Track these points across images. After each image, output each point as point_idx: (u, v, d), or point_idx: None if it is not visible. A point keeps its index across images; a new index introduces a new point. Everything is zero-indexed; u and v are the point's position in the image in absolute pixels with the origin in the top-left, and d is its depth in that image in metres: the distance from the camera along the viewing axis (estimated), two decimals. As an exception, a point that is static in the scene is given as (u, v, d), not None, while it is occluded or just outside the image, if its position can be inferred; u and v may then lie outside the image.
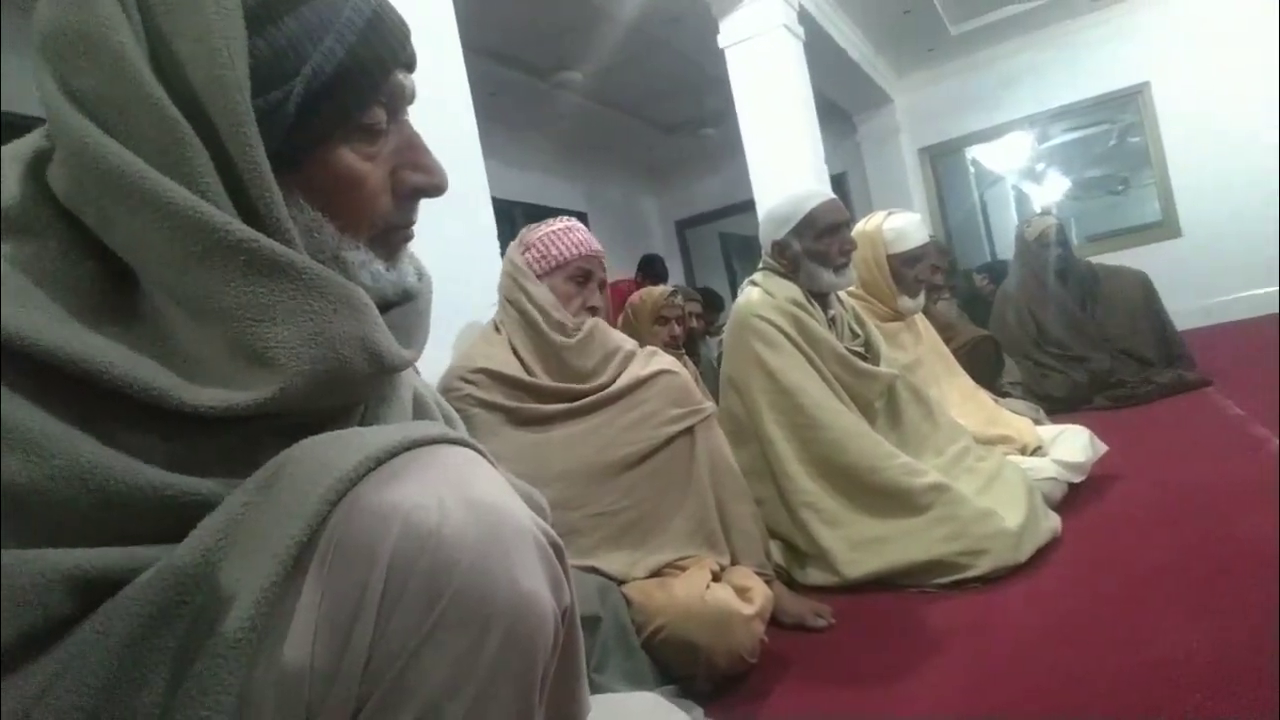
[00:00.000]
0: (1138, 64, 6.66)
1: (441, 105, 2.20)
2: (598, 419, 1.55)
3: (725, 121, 5.23)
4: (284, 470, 0.51)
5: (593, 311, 1.66)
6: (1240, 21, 6.28)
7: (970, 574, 1.68)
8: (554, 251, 1.63)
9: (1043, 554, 1.76)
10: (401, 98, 0.66)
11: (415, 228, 0.70)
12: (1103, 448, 2.28)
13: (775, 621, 1.55)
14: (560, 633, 0.55)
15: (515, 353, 1.59)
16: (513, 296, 1.63)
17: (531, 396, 1.54)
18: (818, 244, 1.98)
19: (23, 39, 1.91)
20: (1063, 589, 1.61)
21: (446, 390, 1.54)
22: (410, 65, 0.67)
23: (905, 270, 2.40)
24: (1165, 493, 2.10)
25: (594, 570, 1.42)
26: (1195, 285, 6.17)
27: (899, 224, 2.40)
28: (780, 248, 2.02)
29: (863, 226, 2.46)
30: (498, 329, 1.65)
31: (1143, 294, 3.91)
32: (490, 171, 2.29)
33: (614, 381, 1.60)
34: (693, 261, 8.91)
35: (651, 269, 5.65)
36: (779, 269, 2.04)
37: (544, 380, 1.56)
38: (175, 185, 0.53)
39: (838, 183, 6.77)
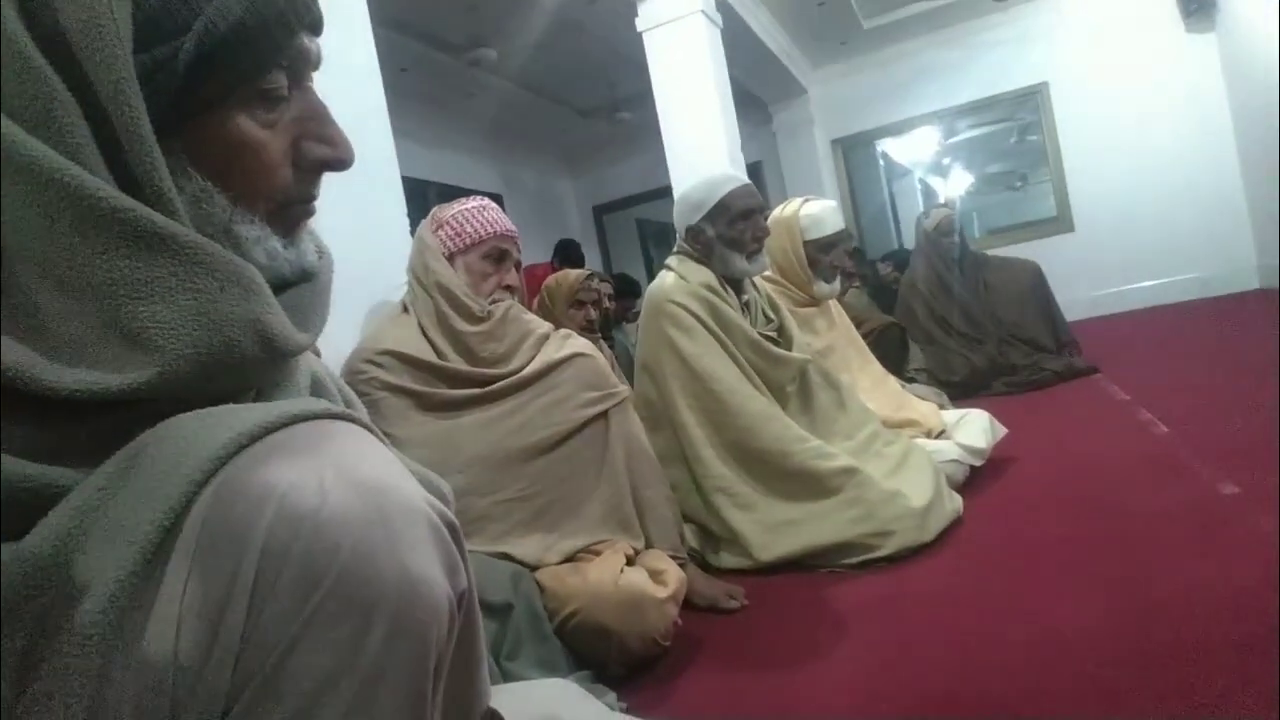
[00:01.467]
0: (1038, 64, 6.94)
1: (349, 78, 2.11)
2: (510, 403, 1.51)
3: (642, 106, 5.19)
4: (146, 451, 0.47)
5: (509, 290, 1.62)
6: (1134, 26, 6.61)
7: (878, 554, 1.72)
8: (468, 229, 1.59)
9: (947, 533, 1.82)
10: (305, 62, 0.61)
11: (320, 204, 0.66)
12: (1002, 431, 2.37)
13: (689, 604, 1.55)
14: (456, 619, 0.52)
15: (425, 334, 1.54)
16: (422, 276, 1.57)
17: (441, 380, 1.50)
18: (731, 229, 1.99)
19: None
20: (965, 566, 1.66)
21: (352, 373, 1.48)
22: (315, 28, 0.62)
23: (820, 256, 2.44)
24: (1060, 473, 2.21)
25: (506, 556, 1.39)
26: (1086, 278, 6.49)
27: (815, 211, 2.44)
28: (694, 233, 2.02)
29: (779, 213, 2.49)
30: (406, 309, 1.59)
31: (1033, 283, 4.10)
32: (402, 150, 2.21)
33: (527, 365, 1.57)
34: (609, 247, 8.89)
35: (568, 254, 5.60)
36: (693, 254, 2.04)
37: (455, 363, 1.51)
38: (40, 144, 0.48)
39: (753, 171, 6.84)
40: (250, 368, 0.56)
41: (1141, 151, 6.61)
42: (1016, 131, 9.96)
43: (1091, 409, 3.03)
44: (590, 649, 1.34)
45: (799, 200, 2.53)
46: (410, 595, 0.47)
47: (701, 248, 2.02)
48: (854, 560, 1.74)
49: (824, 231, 2.43)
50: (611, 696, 1.21)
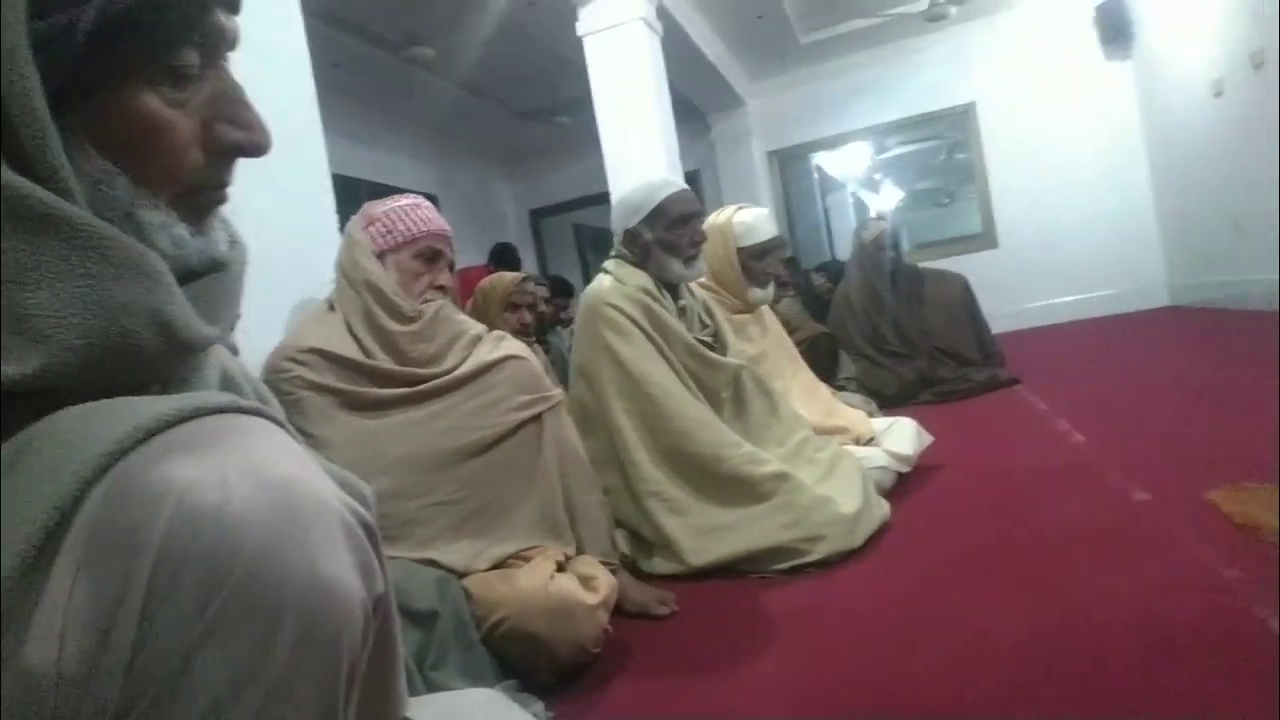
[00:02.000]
0: (967, 85, 7.17)
1: (277, 67, 2.05)
2: (440, 404, 1.48)
3: (582, 110, 5.18)
4: (31, 445, 0.44)
5: (441, 291, 1.58)
6: (1057, 52, 6.88)
7: (808, 559, 1.74)
8: (400, 227, 1.54)
9: (875, 538, 1.85)
10: (220, 41, 0.58)
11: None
12: (928, 439, 2.43)
13: (620, 610, 1.53)
14: (371, 625, 0.50)
15: (351, 333, 1.49)
16: (350, 273, 1.53)
17: (368, 379, 1.45)
18: (669, 234, 1.98)
19: None
20: (892, 571, 1.69)
21: (274, 371, 1.43)
22: (233, 6, 0.59)
23: (754, 263, 2.46)
24: (982, 480, 2.27)
25: (432, 563, 1.35)
26: (1009, 292, 6.71)
27: (748, 218, 2.46)
28: (632, 236, 2.01)
29: (714, 220, 2.50)
30: (333, 307, 1.54)
31: (961, 296, 4.22)
32: (334, 147, 2.15)
33: (459, 366, 1.53)
34: (546, 251, 8.84)
35: (504, 258, 5.55)
36: (630, 258, 2.03)
37: (382, 362, 1.47)
38: None
39: (691, 180, 6.88)
40: (151, 360, 0.52)
41: (1062, 172, 6.89)
42: (945, 149, 10.28)
43: (1013, 419, 3.13)
44: (518, 657, 1.31)
45: (732, 208, 2.55)
46: (321, 599, 0.45)
47: (639, 251, 2.01)
48: (784, 565, 1.75)
49: (757, 238, 2.45)
50: (539, 706, 1.18)
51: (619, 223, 2.05)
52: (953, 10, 5.72)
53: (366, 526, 0.51)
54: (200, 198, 0.58)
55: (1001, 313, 6.04)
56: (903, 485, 2.24)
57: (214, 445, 0.45)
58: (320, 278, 1.75)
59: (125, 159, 0.53)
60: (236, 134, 0.58)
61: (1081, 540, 1.64)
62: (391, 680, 0.58)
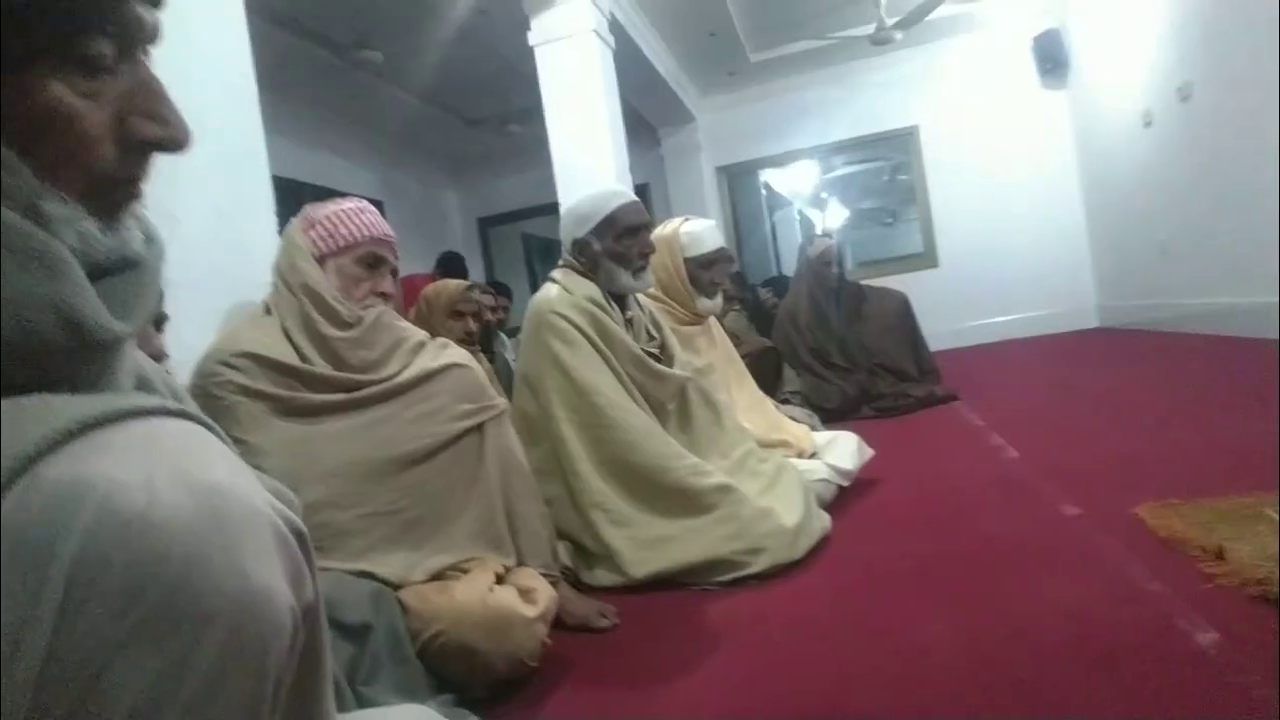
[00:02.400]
0: (910, 108, 7.35)
1: (216, 64, 1.99)
2: (380, 412, 1.44)
3: (532, 120, 5.17)
4: None
5: (383, 298, 1.55)
6: (998, 79, 7.10)
7: (749, 571, 1.74)
8: (342, 231, 1.51)
9: (815, 551, 1.86)
10: (139, 33, 0.55)
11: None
12: (869, 453, 2.46)
13: (560, 623, 1.52)
14: (300, 634, 0.48)
15: (288, 338, 1.45)
16: (288, 277, 1.48)
17: (305, 385, 1.41)
18: (618, 245, 1.98)
19: None
20: (832, 583, 1.70)
21: (205, 375, 1.38)
22: None
23: (701, 273, 2.47)
24: (920, 494, 2.31)
25: (367, 574, 1.31)
26: (948, 311, 6.88)
27: (694, 229, 2.48)
28: (580, 246, 2.01)
29: (661, 231, 2.51)
30: (269, 311, 1.50)
31: (901, 313, 4.32)
32: (276, 148, 2.10)
33: (400, 373, 1.50)
34: (494, 260, 8.77)
35: (450, 267, 5.47)
36: (578, 267, 2.03)
37: (320, 368, 1.43)
38: None
39: (640, 193, 6.89)
40: (56, 358, 0.49)
41: (999, 196, 7.10)
42: (889, 171, 10.52)
43: (950, 434, 3.19)
44: (454, 671, 1.28)
45: (679, 219, 2.57)
46: (250, 607, 0.43)
47: (587, 261, 2.00)
48: (725, 578, 1.75)
49: (704, 249, 2.47)
50: (473, 720, 1.16)
51: (568, 232, 2.04)
52: (898, 36, 5.85)
53: (298, 534, 0.49)
54: (113, 193, 0.56)
55: (940, 331, 6.18)
56: (843, 498, 2.27)
57: (140, 448, 0.43)
58: (257, 281, 1.70)
59: (30, 149, 0.50)
60: (152, 128, 0.55)
61: (1014, 553, 1.68)
62: (319, 694, 0.56)
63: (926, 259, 7.43)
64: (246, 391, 1.37)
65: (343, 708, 1.11)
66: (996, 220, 7.08)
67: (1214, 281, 4.86)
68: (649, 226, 2.06)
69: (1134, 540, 1.59)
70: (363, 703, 1.16)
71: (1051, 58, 6.72)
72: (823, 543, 1.92)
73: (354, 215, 1.53)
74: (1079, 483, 2.07)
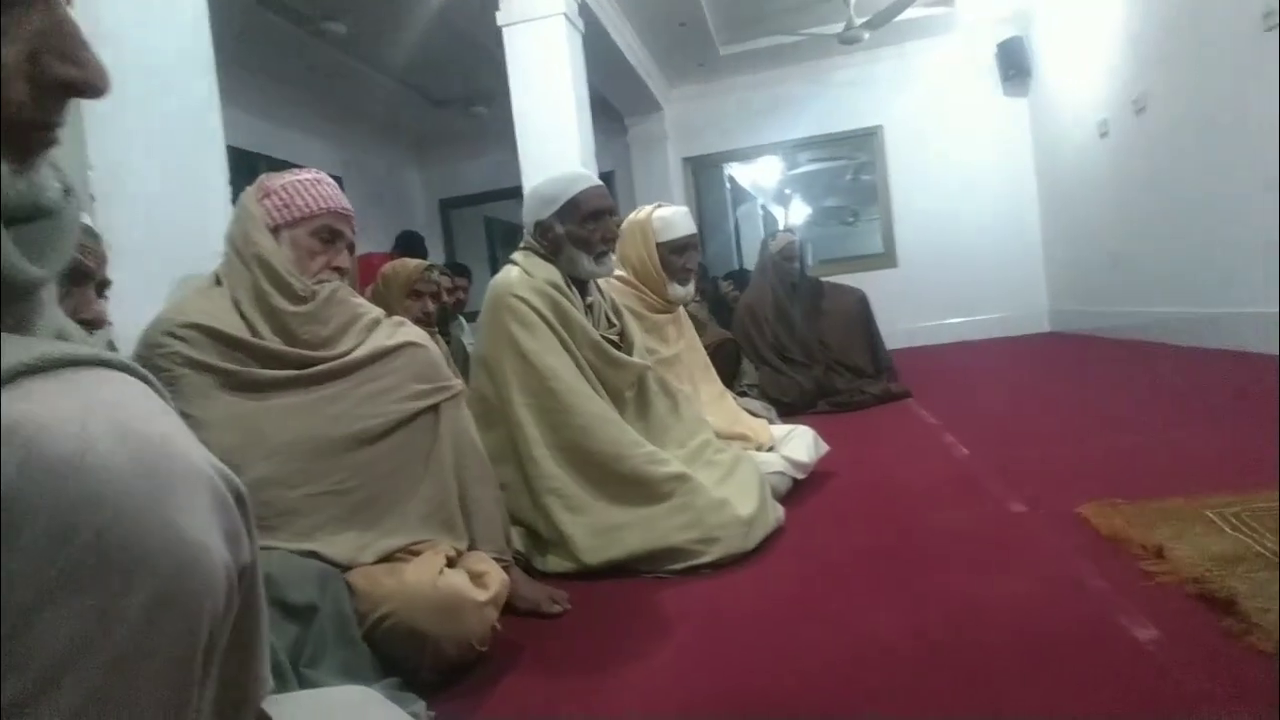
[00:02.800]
0: (875, 108, 7.42)
1: (174, 35, 1.94)
2: (331, 389, 1.41)
3: (497, 102, 5.11)
4: None
5: (339, 273, 1.51)
6: (961, 84, 7.20)
7: (703, 560, 1.74)
8: (298, 202, 1.46)
9: (769, 542, 1.87)
10: None
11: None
12: (824, 448, 2.48)
13: (511, 608, 1.50)
14: (235, 595, 0.47)
15: (239, 310, 1.40)
16: (241, 247, 1.44)
17: (254, 359, 1.37)
18: (581, 229, 1.96)
19: None
20: (785, 574, 1.71)
21: (148, 346, 1.33)
22: None
23: (673, 258, 2.46)
24: (873, 488, 2.33)
25: (314, 555, 1.28)
26: (905, 311, 6.98)
27: (667, 214, 2.47)
28: (543, 229, 1.98)
29: (633, 217, 2.50)
30: (219, 282, 1.45)
31: (860, 310, 4.36)
32: (232, 118, 2.05)
33: (354, 351, 1.46)
34: (455, 243, 8.67)
35: (410, 247, 5.38)
36: (540, 250, 2.00)
37: (271, 342, 1.39)
38: None
39: (606, 180, 6.80)
40: None
41: (959, 199, 7.21)
42: (852, 170, 10.62)
43: (903, 431, 3.24)
44: (402, 654, 1.26)
45: (651, 206, 2.56)
46: (182, 561, 0.42)
47: (549, 244, 1.98)
48: (679, 566, 1.74)
49: (676, 234, 2.46)
50: (420, 705, 1.14)
51: (530, 214, 2.01)
52: (866, 35, 5.89)
53: (238, 495, 0.48)
54: (26, 136, 0.53)
55: (898, 329, 6.27)
56: (798, 490, 2.29)
57: (75, 395, 0.42)
58: (208, 251, 1.66)
59: None
60: (67, 69, 0.53)
61: (963, 547, 1.70)
62: (254, 659, 0.54)
63: (886, 259, 7.52)
64: (192, 364, 1.33)
65: (285, 689, 1.09)
66: (955, 223, 7.19)
67: (1162, 291, 4.99)
68: (613, 212, 2.04)
69: (1078, 538, 1.62)
70: (306, 685, 1.13)
71: (1014, 65, 6.83)
72: (776, 534, 1.93)
73: (311, 186, 1.49)
74: (1027, 481, 2.11)
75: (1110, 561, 1.47)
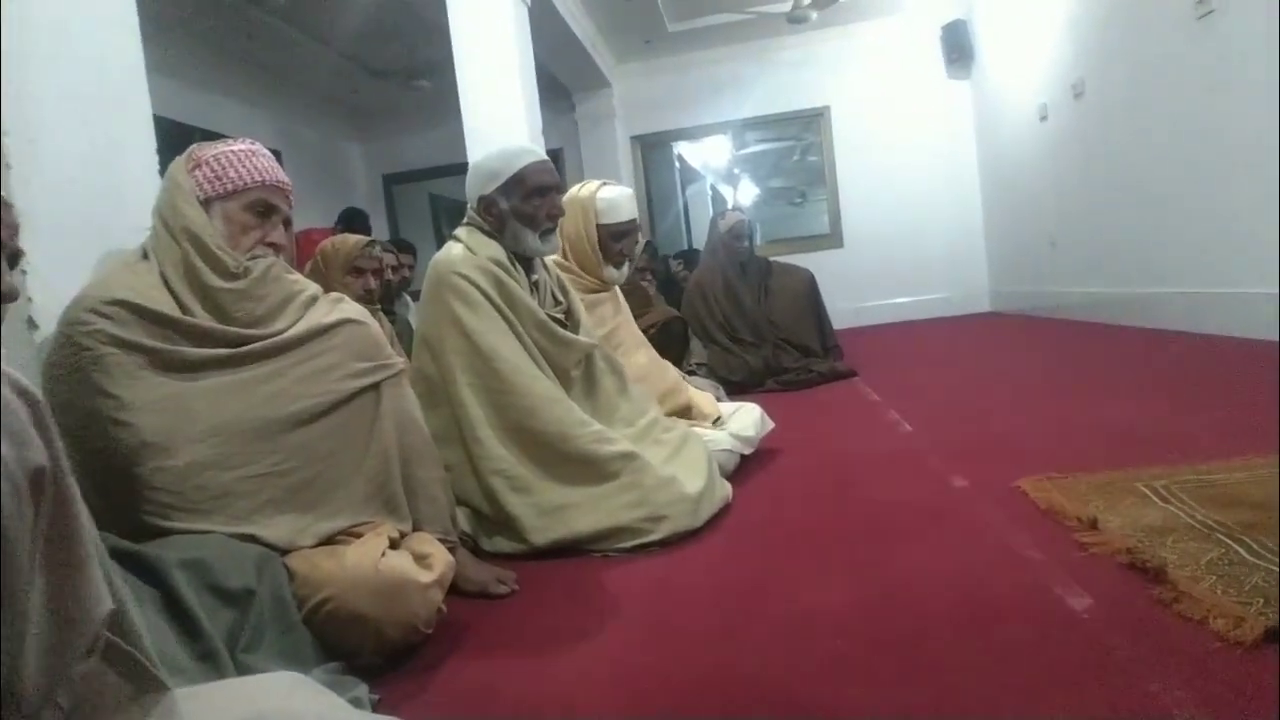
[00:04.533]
0: (821, 89, 7.45)
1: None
2: (266, 367, 1.36)
3: (442, 75, 4.98)
4: None
5: (274, 249, 1.45)
6: (907, 66, 7.26)
7: (651, 539, 1.74)
8: (231, 174, 1.40)
9: (716, 518, 1.88)
10: None
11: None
12: (770, 425, 2.50)
13: (457, 590, 1.48)
14: (26, 497, 0.45)
15: (167, 285, 1.34)
16: (169, 220, 1.38)
17: (184, 338, 1.31)
18: (526, 204, 1.92)
19: None
20: (733, 550, 1.72)
21: (71, 324, 1.27)
22: None
23: (612, 243, 2.43)
24: (819, 465, 2.36)
25: (251, 538, 1.24)
26: (851, 290, 7.06)
27: (611, 196, 2.42)
28: (487, 203, 1.94)
29: (575, 192, 2.45)
30: (146, 255, 1.39)
31: (807, 290, 4.40)
32: (163, 87, 1.96)
33: (290, 329, 1.41)
34: (399, 220, 8.49)
35: (353, 223, 5.24)
36: (483, 226, 1.96)
37: (202, 320, 1.34)
38: None
39: (553, 157, 6.74)
40: None
41: (903, 181, 7.31)
42: (800, 150, 10.67)
43: (849, 408, 3.28)
44: (344, 638, 1.23)
45: (596, 183, 2.50)
46: None
47: (494, 220, 1.94)
48: (627, 545, 1.74)
49: (619, 218, 2.42)
50: (362, 689, 1.11)
51: (474, 188, 1.97)
52: (814, 15, 5.91)
53: (27, 395, 0.47)
54: None
55: (844, 309, 6.35)
56: (745, 468, 2.30)
57: None
58: (133, 225, 1.58)
59: None
60: None
61: (906, 522, 1.73)
62: (79, 573, 0.52)
63: (832, 239, 7.60)
64: (118, 342, 1.27)
65: (222, 675, 1.05)
66: (900, 205, 7.29)
67: (1097, 273, 5.14)
68: (559, 188, 2.00)
69: (1016, 511, 1.66)
70: (243, 671, 1.10)
71: (957, 48, 6.92)
72: (724, 510, 1.94)
73: (245, 158, 1.43)
74: (967, 456, 2.16)
75: (1046, 533, 1.51)
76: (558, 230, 2.01)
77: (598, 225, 2.40)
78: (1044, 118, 5.67)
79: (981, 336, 5.68)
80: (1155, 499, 1.57)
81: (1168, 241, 4.24)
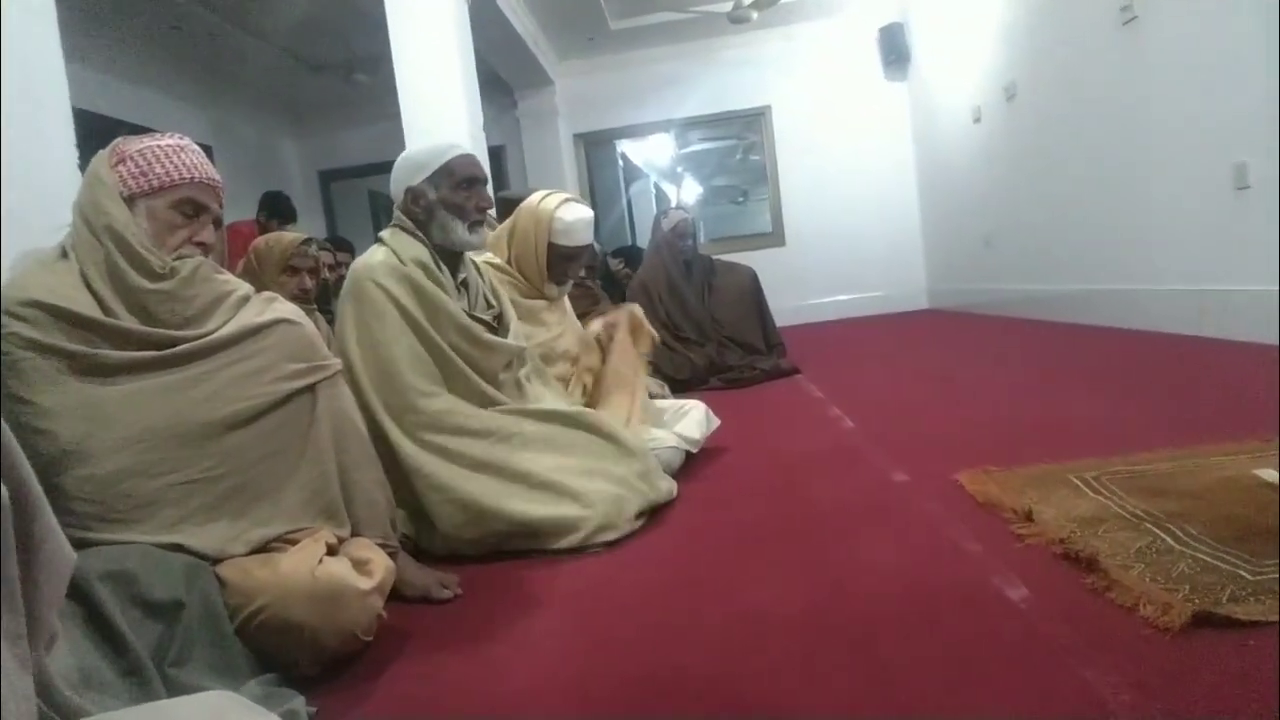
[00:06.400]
0: (763, 89, 7.53)
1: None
2: (195, 370, 1.30)
3: (380, 69, 4.89)
4: None
5: (203, 249, 1.39)
6: (846, 67, 7.38)
7: (597, 538, 1.73)
8: (157, 170, 1.34)
9: (661, 515, 1.89)
10: None
11: None
12: (716, 422, 2.51)
13: (399, 595, 1.45)
14: None
15: (89, 286, 1.28)
16: (91, 217, 1.31)
17: (106, 341, 1.25)
18: (455, 195, 1.89)
19: None
20: (676, 547, 1.72)
21: (-17, 326, 1.20)
22: None
23: (561, 264, 2.37)
24: (763, 462, 2.37)
25: (179, 548, 1.20)
26: (794, 288, 7.15)
27: (570, 220, 2.32)
28: (415, 194, 1.89)
29: (536, 203, 2.37)
30: (66, 254, 1.32)
31: (750, 288, 4.44)
32: (87, 79, 1.88)
33: (220, 329, 1.36)
34: (336, 218, 8.32)
35: (276, 207, 4.86)
36: (408, 225, 1.91)
37: (126, 322, 1.28)
38: None
39: (496, 155, 6.73)
40: None
41: (844, 180, 7.43)
42: (742, 150, 10.77)
43: (792, 405, 3.32)
44: (280, 649, 1.19)
45: (559, 199, 2.41)
46: None
47: (422, 211, 1.89)
48: (570, 543, 1.72)
49: (573, 242, 2.35)
50: (299, 701, 1.08)
51: (400, 181, 1.92)
52: (755, 15, 5.96)
53: None
54: None
55: (786, 306, 6.41)
56: (691, 465, 2.30)
57: None
58: (51, 224, 1.51)
59: None
60: None
61: (849, 517, 1.75)
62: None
63: (774, 238, 7.68)
64: (35, 346, 1.20)
65: (149, 692, 1.01)
66: (840, 204, 7.40)
67: (1031, 270, 5.29)
68: (486, 181, 1.99)
69: (955, 504, 1.70)
70: (174, 686, 1.06)
71: (894, 50, 7.05)
72: (669, 507, 1.94)
73: (173, 153, 1.37)
74: (908, 451, 2.19)
75: (985, 525, 1.54)
76: (485, 225, 1.98)
77: (551, 243, 2.35)
78: (978, 119, 5.81)
79: (920, 333, 5.80)
80: (1087, 490, 1.62)
81: (1097, 240, 4.38)
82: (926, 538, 1.55)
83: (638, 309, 2.63)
